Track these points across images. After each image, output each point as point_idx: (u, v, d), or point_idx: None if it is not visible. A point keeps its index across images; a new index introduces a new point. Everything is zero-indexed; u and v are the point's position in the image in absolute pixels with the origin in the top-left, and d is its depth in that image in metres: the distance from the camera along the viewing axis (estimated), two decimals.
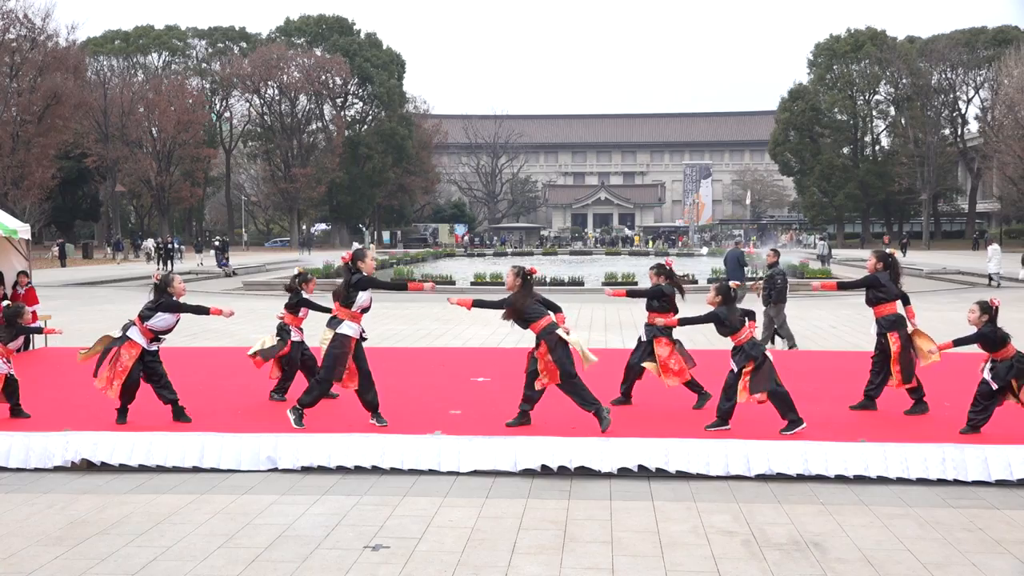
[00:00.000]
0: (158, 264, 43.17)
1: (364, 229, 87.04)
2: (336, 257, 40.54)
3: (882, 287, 9.25)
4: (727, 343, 8.59)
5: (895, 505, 6.93)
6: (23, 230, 14.90)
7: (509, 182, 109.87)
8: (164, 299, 8.64)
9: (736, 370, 8.23)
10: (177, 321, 8.81)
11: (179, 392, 8.82)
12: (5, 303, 10.64)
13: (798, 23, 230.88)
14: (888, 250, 10.32)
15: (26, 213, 51.18)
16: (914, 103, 75.01)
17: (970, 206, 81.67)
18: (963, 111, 79.23)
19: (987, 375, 8.10)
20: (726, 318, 8.33)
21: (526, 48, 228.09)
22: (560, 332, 8.29)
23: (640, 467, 7.72)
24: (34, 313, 13.68)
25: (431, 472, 7.76)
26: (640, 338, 9.61)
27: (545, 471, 7.70)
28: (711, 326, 8.52)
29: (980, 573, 5.61)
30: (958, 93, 77.92)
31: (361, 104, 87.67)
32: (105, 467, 7.95)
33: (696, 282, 29.23)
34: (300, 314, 9.88)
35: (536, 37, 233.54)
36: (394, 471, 7.78)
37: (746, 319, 8.38)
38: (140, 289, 31.77)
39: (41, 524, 6.59)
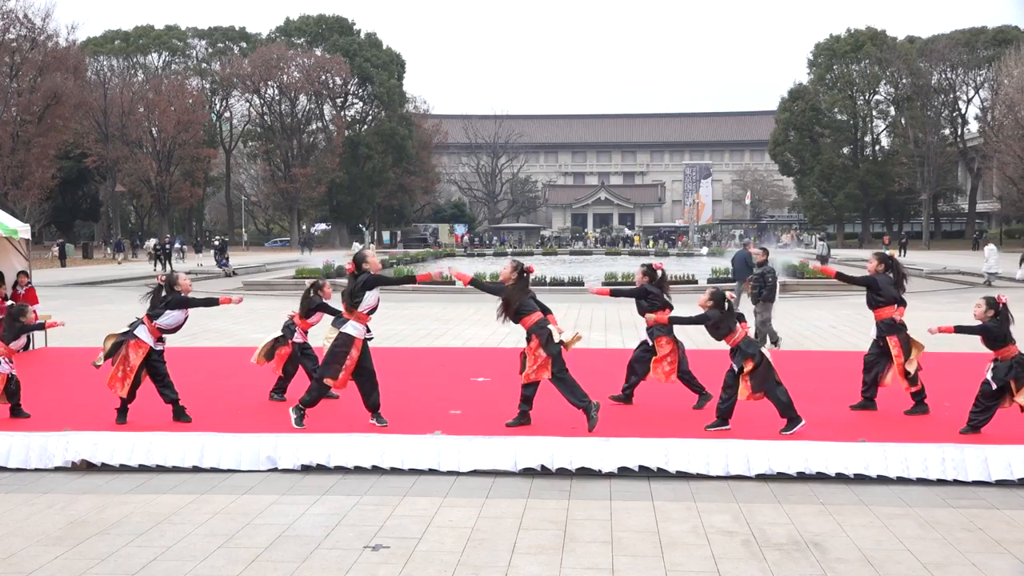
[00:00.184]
0: (155, 265, 43.14)
1: (364, 229, 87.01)
2: (336, 257, 40.64)
3: (880, 290, 9.18)
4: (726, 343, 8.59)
5: (895, 505, 6.93)
6: (23, 230, 14.90)
7: (509, 182, 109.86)
8: (172, 296, 8.64)
9: (736, 369, 8.24)
10: (186, 318, 8.81)
11: (179, 392, 8.82)
12: (8, 303, 10.63)
13: (798, 23, 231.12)
14: (888, 251, 10.29)
15: (26, 213, 51.20)
16: (914, 103, 75.01)
17: (970, 206, 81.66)
18: (963, 111, 79.27)
19: (988, 375, 8.10)
20: (720, 322, 8.34)
21: (526, 48, 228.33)
22: (552, 328, 8.32)
23: (640, 467, 7.72)
24: (34, 313, 13.66)
25: (431, 472, 7.76)
26: (645, 341, 9.58)
27: (545, 471, 7.70)
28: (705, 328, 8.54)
29: (980, 573, 5.61)
30: (958, 93, 77.92)
31: (361, 104, 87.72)
32: (105, 467, 7.94)
33: (696, 282, 29.27)
34: (312, 319, 9.80)
35: (536, 37, 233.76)
36: (394, 471, 7.78)
37: (738, 322, 8.40)
38: (140, 289, 31.72)
39: (41, 524, 6.59)
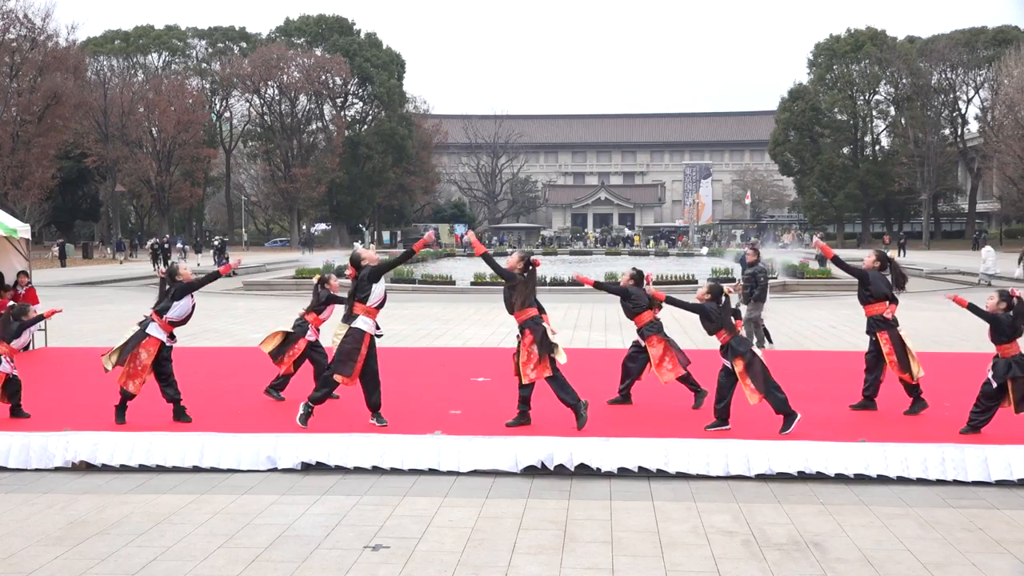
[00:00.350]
0: (154, 265, 43.16)
1: (364, 229, 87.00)
2: (336, 257, 40.62)
3: (869, 285, 9.19)
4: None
5: (895, 505, 6.93)
6: (23, 230, 14.91)
7: (509, 182, 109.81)
8: (175, 287, 8.68)
9: (728, 367, 8.26)
10: (193, 307, 8.87)
11: (180, 392, 8.82)
12: (10, 304, 10.65)
13: (798, 23, 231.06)
14: (888, 252, 10.29)
15: (26, 213, 51.22)
16: (914, 103, 75.02)
17: (970, 206, 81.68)
18: (963, 111, 79.26)
19: (989, 373, 8.10)
20: (717, 316, 8.36)
21: (526, 48, 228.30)
22: (545, 327, 8.37)
23: (640, 467, 7.72)
24: (34, 313, 13.67)
25: (431, 472, 7.76)
26: (637, 341, 9.63)
27: (545, 471, 7.71)
28: (698, 324, 8.55)
29: (980, 573, 5.61)
30: (958, 93, 77.93)
31: (361, 104, 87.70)
32: (105, 467, 7.95)
33: (696, 282, 29.28)
34: (323, 314, 9.87)
35: (536, 37, 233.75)
36: (394, 471, 7.78)
37: (732, 319, 8.43)
38: (140, 289, 31.80)
39: (41, 524, 6.59)
